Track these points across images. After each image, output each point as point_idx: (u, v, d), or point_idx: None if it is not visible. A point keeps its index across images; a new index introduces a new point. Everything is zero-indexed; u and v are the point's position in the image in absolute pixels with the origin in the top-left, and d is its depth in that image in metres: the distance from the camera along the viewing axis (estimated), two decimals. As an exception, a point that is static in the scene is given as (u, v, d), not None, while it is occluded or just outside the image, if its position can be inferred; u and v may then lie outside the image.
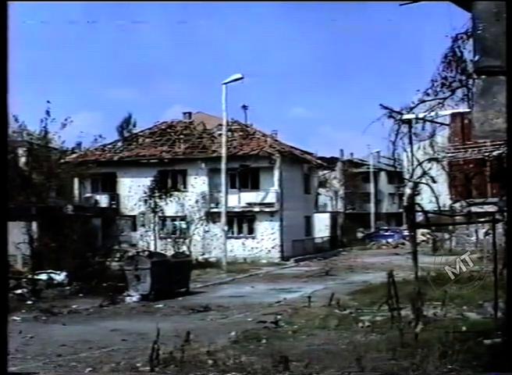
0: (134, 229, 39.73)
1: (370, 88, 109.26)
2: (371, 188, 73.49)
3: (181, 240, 36.11)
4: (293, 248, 41.36)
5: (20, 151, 27.17)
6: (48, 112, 25.82)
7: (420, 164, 12.82)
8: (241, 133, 42.61)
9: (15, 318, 16.17)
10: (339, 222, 59.84)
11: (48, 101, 26.09)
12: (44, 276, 22.35)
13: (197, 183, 40.99)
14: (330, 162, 65.36)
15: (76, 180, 39.33)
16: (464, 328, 12.35)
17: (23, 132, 26.87)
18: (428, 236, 39.52)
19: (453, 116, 19.35)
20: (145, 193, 36.56)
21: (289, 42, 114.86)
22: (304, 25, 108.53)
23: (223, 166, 34.32)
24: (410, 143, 13.56)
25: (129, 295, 20.45)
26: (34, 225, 24.02)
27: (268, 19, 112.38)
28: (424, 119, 13.20)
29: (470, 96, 10.90)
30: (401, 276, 15.26)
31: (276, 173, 40.16)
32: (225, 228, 34.82)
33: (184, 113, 47.26)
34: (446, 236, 41.54)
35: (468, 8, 5.51)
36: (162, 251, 29.41)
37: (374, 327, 13.49)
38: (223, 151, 34.43)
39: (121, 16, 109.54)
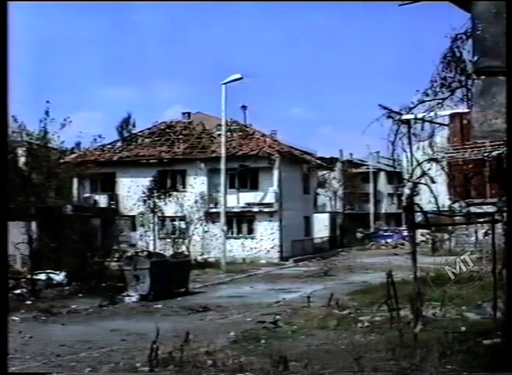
0: (133, 229, 39.73)
1: (369, 88, 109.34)
2: (371, 188, 73.52)
3: (180, 240, 36.07)
4: (293, 249, 41.35)
5: (20, 151, 27.16)
6: (47, 112, 25.85)
7: (419, 164, 12.83)
8: (240, 134, 42.58)
9: (14, 318, 16.15)
10: (338, 222, 59.84)
11: (48, 101, 26.12)
12: (43, 276, 22.35)
13: (197, 183, 40.97)
14: (329, 163, 65.32)
15: (75, 180, 39.35)
16: (463, 328, 12.36)
17: (22, 132, 26.87)
18: (428, 236, 39.58)
19: (453, 116, 19.30)
20: (144, 193, 36.55)
21: (288, 42, 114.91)
22: (304, 24, 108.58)
23: (222, 166, 34.31)
24: (410, 143, 13.56)
25: (128, 295, 20.45)
26: (34, 225, 24.00)
27: (267, 19, 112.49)
28: (423, 120, 13.19)
29: (469, 96, 10.91)
30: (400, 277, 15.26)
31: (275, 173, 40.14)
32: (225, 228, 34.81)
33: (183, 113, 47.27)
34: (446, 236, 41.57)
35: (468, 8, 5.51)
36: (161, 252, 29.40)
37: (373, 328, 13.50)
38: (222, 152, 34.42)
39: (120, 16, 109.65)
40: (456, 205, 23.31)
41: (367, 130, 12.93)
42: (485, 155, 18.13)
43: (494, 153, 16.64)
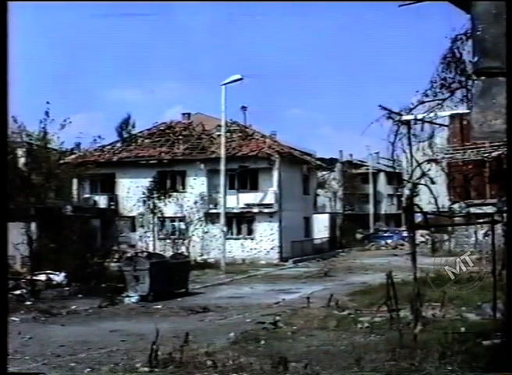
0: (133, 230, 39.76)
1: (369, 89, 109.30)
2: (370, 189, 73.50)
3: (180, 241, 36.09)
4: (292, 249, 41.35)
5: (20, 151, 27.12)
6: (47, 113, 25.80)
7: (419, 165, 12.83)
8: (240, 134, 42.60)
9: (14, 319, 16.12)
10: (338, 223, 59.84)
11: (48, 102, 26.08)
12: (43, 277, 22.34)
13: (196, 184, 40.99)
14: (329, 163, 65.38)
15: (75, 181, 39.27)
16: (462, 329, 12.36)
17: (22, 133, 26.79)
18: (427, 237, 39.56)
19: (452, 117, 19.33)
20: (144, 194, 36.54)
21: (288, 42, 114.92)
22: (304, 25, 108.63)
23: (222, 166, 34.31)
24: (410, 144, 13.54)
25: (128, 296, 20.45)
26: (33, 226, 23.98)
27: (267, 20, 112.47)
28: (423, 121, 13.18)
29: (469, 97, 10.90)
30: (400, 277, 15.26)
31: (275, 173, 40.16)
32: (224, 229, 34.81)
33: (183, 114, 47.31)
34: (445, 237, 41.56)
35: (467, 9, 5.51)
36: (161, 252, 29.41)
37: (373, 328, 13.48)
38: (222, 152, 34.43)
39: (120, 16, 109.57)
40: (456, 206, 23.32)
41: (367, 131, 12.92)
42: (485, 155, 18.17)
43: (494, 154, 16.66)
